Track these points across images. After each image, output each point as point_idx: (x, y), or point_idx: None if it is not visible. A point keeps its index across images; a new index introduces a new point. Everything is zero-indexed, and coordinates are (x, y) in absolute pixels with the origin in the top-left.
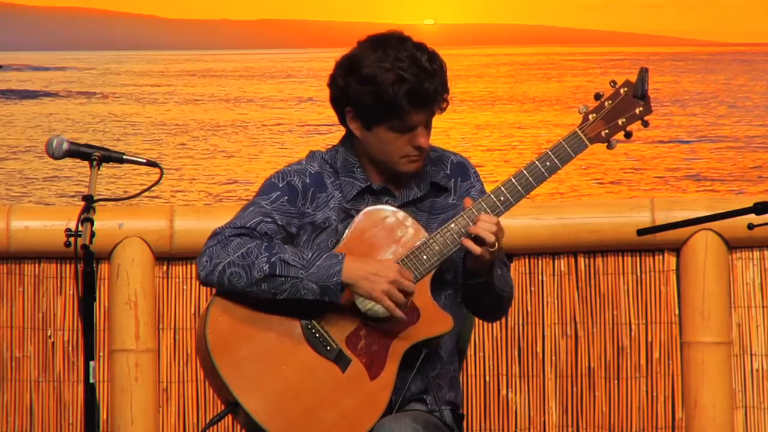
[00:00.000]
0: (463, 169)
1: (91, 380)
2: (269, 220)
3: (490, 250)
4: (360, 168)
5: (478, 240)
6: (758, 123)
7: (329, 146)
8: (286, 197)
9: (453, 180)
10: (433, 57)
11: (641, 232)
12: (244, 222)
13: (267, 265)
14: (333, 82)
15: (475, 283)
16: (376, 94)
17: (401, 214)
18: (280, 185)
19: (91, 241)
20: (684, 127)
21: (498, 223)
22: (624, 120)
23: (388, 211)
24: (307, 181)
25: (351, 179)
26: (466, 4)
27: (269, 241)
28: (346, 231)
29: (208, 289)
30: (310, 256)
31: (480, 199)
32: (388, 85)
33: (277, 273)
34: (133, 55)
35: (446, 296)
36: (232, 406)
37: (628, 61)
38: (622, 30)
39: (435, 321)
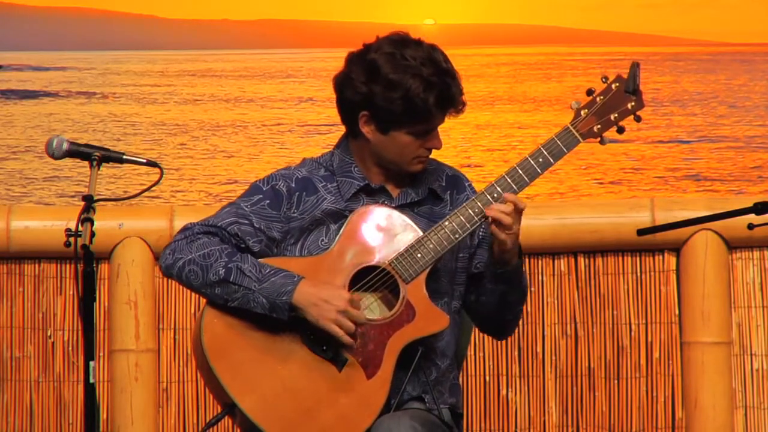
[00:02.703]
0: (457, 182)
1: (91, 380)
2: (245, 222)
3: (508, 232)
4: (357, 167)
5: (495, 224)
6: (758, 123)
7: (325, 150)
8: (268, 201)
9: (448, 192)
10: (447, 58)
11: (641, 232)
12: (217, 221)
13: (223, 270)
14: (349, 86)
15: (505, 272)
16: (405, 100)
17: (395, 213)
18: (264, 189)
19: (91, 241)
20: (684, 127)
21: (516, 204)
22: (616, 115)
23: (381, 210)
24: (293, 185)
25: (348, 178)
26: (466, 4)
27: (239, 242)
28: (340, 231)
29: None
30: (267, 271)
31: (474, 197)
32: (418, 91)
33: (231, 280)
34: (133, 55)
35: (442, 304)
36: (230, 408)
37: (627, 61)
38: (622, 30)
39: (430, 319)
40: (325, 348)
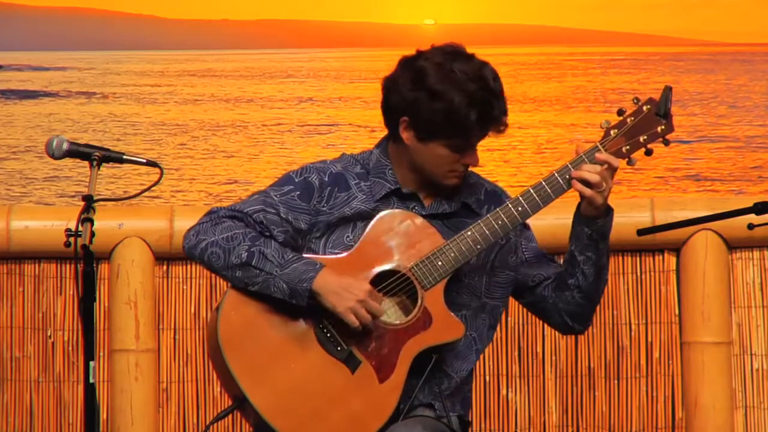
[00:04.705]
0: (496, 197)
1: (91, 380)
2: (272, 211)
3: (599, 190)
4: (391, 170)
5: (583, 183)
6: (758, 123)
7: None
8: (298, 193)
9: (485, 207)
10: (496, 76)
11: (641, 232)
12: (244, 207)
13: (246, 254)
14: (395, 90)
15: (601, 227)
16: (447, 112)
17: (419, 219)
18: (296, 180)
19: (91, 241)
20: (684, 127)
21: (608, 164)
22: (645, 137)
23: (405, 215)
24: (326, 179)
25: (381, 180)
26: (466, 4)
27: (263, 230)
28: (364, 232)
29: (209, 289)
30: (290, 257)
31: (498, 209)
32: (461, 106)
33: (253, 264)
34: (133, 55)
35: (460, 317)
36: (240, 402)
37: (628, 61)
38: (622, 30)
39: (446, 327)
40: (339, 349)
